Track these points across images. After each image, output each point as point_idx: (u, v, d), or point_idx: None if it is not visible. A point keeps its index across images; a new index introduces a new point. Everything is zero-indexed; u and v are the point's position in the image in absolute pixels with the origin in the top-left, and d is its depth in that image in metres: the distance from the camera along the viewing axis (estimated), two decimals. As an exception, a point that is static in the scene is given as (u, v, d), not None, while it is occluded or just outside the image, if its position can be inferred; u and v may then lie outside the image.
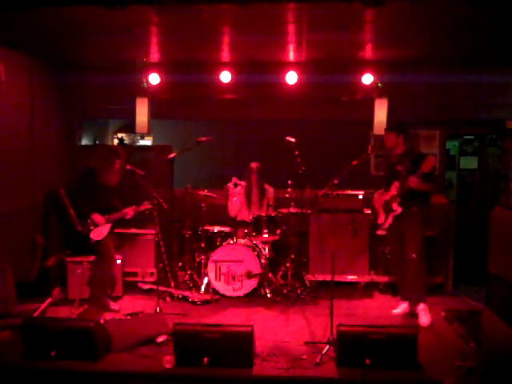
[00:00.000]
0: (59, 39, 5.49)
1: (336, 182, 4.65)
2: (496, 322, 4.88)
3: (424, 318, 4.82)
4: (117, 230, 5.50)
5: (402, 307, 5.13)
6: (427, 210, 5.04)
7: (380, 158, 7.51)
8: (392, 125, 5.33)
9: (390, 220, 5.04)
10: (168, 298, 5.57)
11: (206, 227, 6.03)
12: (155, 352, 4.12)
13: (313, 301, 5.57)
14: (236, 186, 6.25)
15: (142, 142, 9.15)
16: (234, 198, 6.22)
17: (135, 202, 5.27)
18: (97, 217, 5.03)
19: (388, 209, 5.04)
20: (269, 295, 5.65)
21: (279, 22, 4.78)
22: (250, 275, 5.60)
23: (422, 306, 4.89)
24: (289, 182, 5.94)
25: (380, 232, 5.99)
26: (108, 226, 5.12)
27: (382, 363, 3.76)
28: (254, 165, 6.23)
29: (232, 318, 5.03)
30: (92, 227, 5.03)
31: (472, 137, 8.66)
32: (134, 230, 6.02)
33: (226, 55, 6.28)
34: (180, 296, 5.59)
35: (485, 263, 5.50)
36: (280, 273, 6.11)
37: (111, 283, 5.32)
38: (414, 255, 4.86)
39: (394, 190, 4.97)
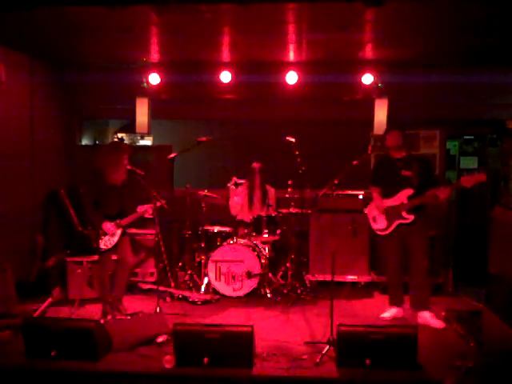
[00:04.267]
0: (59, 39, 5.50)
1: (336, 182, 4.64)
2: (496, 321, 4.89)
3: (436, 322, 4.76)
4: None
5: (391, 312, 5.02)
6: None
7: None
8: (394, 125, 5.07)
9: (393, 226, 4.85)
10: (168, 298, 5.57)
11: (206, 227, 6.03)
12: (155, 352, 4.11)
13: (313, 301, 5.57)
14: (237, 185, 6.24)
15: (142, 142, 9.14)
16: (236, 198, 6.21)
17: (143, 203, 5.08)
18: (107, 226, 4.83)
19: (393, 215, 4.83)
20: (269, 295, 5.65)
21: (279, 21, 4.79)
22: (250, 275, 5.60)
23: (428, 314, 4.80)
24: (289, 181, 5.94)
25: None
26: (119, 232, 4.93)
27: (382, 363, 3.75)
28: (256, 165, 6.22)
29: (232, 318, 5.03)
30: (102, 236, 4.84)
31: (472, 137, 8.66)
32: (133, 230, 6.01)
33: (226, 55, 6.28)
34: (180, 296, 5.59)
35: (485, 263, 5.51)
36: (280, 273, 6.12)
37: (118, 287, 5.05)
38: (425, 262, 4.81)
39: (402, 196, 4.76)
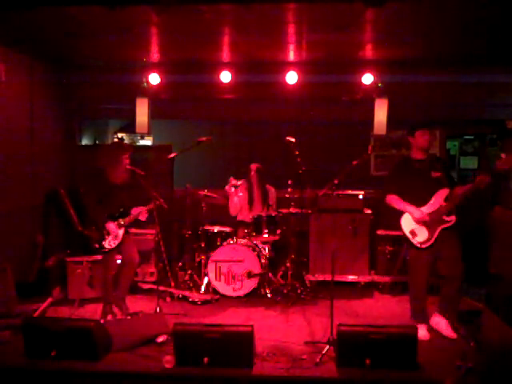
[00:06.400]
0: (59, 39, 5.50)
1: (336, 182, 4.63)
2: (496, 322, 4.89)
3: (450, 332, 4.54)
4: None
5: (423, 332, 4.47)
6: None
7: (380, 158, 7.52)
8: (423, 122, 4.56)
9: (437, 234, 4.41)
10: (168, 298, 5.57)
11: (205, 227, 6.03)
12: (155, 352, 4.12)
13: (313, 301, 5.57)
14: (236, 187, 6.23)
15: (142, 142, 9.14)
16: (235, 198, 6.20)
17: (142, 203, 5.09)
18: (111, 226, 4.83)
19: (434, 221, 4.40)
20: (269, 295, 5.65)
21: (279, 22, 4.78)
22: (250, 275, 5.60)
23: (444, 322, 4.55)
24: (289, 181, 5.94)
25: (380, 232, 6.00)
26: (122, 232, 4.93)
27: (382, 363, 3.75)
28: (253, 166, 6.22)
29: (232, 318, 5.03)
30: (106, 236, 4.83)
31: (472, 137, 8.68)
32: (134, 230, 6.00)
33: (226, 55, 6.28)
34: (180, 296, 5.59)
35: (485, 263, 5.51)
36: (280, 273, 6.11)
37: (123, 286, 5.06)
38: (462, 266, 4.50)
39: (440, 199, 4.41)
